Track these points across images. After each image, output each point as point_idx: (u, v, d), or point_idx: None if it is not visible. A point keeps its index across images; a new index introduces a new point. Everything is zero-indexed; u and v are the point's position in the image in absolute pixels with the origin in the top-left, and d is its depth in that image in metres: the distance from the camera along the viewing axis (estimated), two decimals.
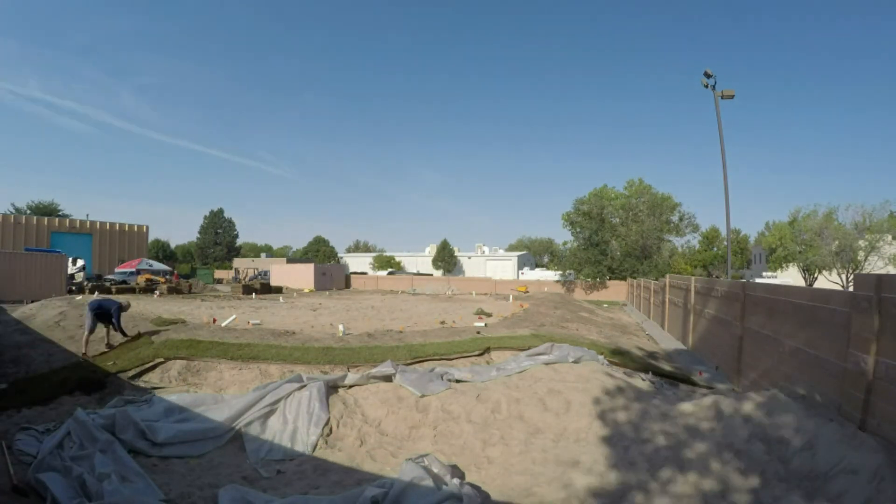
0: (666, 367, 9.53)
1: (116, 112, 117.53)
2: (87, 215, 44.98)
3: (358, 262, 73.59)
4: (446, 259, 68.83)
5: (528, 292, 37.17)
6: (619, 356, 9.95)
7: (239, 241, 77.50)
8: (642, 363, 9.85)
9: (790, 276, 41.30)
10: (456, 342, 10.17)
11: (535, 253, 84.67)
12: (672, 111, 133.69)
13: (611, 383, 6.68)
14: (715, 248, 61.08)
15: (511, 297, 29.20)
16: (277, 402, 6.27)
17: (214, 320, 12.96)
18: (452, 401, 6.58)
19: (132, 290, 26.90)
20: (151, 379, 7.74)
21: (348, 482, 4.86)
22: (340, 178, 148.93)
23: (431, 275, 55.99)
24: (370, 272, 60.58)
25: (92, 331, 9.16)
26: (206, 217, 73.34)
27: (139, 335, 9.90)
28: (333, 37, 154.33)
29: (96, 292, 22.86)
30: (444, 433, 6.03)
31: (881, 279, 4.21)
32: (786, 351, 6.41)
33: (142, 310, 14.75)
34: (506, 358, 9.12)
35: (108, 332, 9.53)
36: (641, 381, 7.78)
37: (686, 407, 5.40)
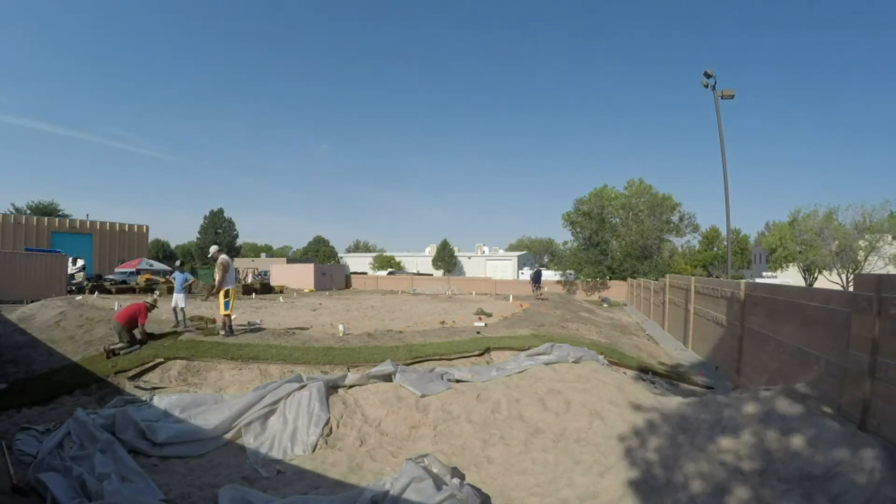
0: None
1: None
2: (87, 215, 45.03)
3: (358, 262, 73.55)
4: (446, 259, 68.83)
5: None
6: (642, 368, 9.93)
7: (239, 241, 77.49)
8: (645, 364, 9.85)
9: (790, 277, 41.29)
10: (456, 342, 10.17)
11: (535, 253, 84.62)
12: (672, 111, 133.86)
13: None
14: (715, 248, 61.09)
15: (511, 296, 29.19)
16: (277, 402, 6.27)
17: (214, 320, 12.95)
18: (452, 401, 6.58)
19: (132, 290, 26.88)
20: (151, 379, 7.73)
21: (348, 482, 4.86)
22: (341, 177, 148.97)
23: (431, 275, 55.96)
24: (370, 272, 60.55)
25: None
26: (206, 217, 73.38)
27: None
28: (333, 35, 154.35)
29: (96, 292, 22.86)
30: (444, 433, 6.03)
31: (881, 279, 4.21)
32: (786, 351, 6.42)
33: None
34: (506, 358, 9.11)
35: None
36: (643, 381, 7.78)
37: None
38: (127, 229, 43.91)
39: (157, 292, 26.56)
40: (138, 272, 33.19)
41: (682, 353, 12.70)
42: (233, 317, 10.73)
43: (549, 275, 51.45)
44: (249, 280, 35.40)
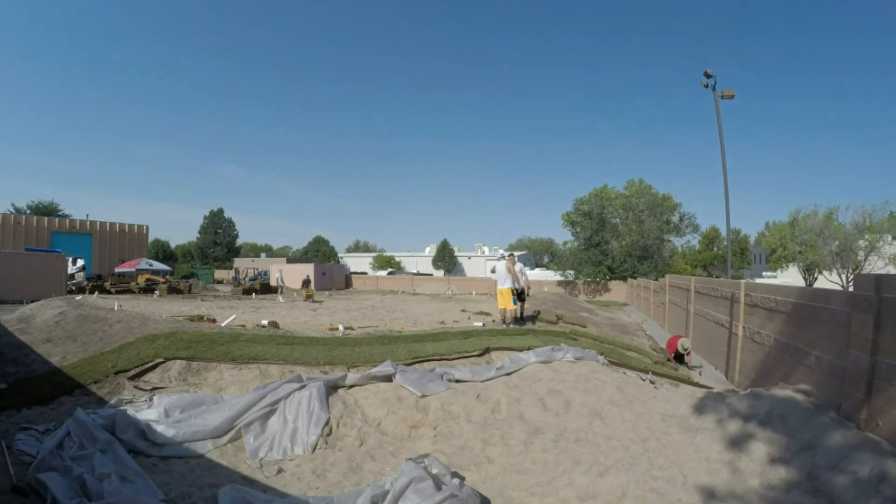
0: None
1: None
2: (87, 215, 44.95)
3: (358, 262, 73.57)
4: (446, 259, 68.91)
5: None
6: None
7: (239, 241, 77.43)
8: (644, 365, 9.85)
9: (790, 277, 41.29)
10: (456, 342, 10.17)
11: (535, 253, 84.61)
12: (672, 111, 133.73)
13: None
14: (715, 248, 61.09)
15: None
16: (277, 402, 6.26)
17: (214, 320, 12.96)
18: (452, 401, 6.58)
19: (131, 290, 26.88)
20: (151, 379, 7.72)
21: (348, 482, 4.86)
22: (340, 177, 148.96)
23: (431, 275, 56.01)
24: (370, 272, 60.55)
25: None
26: (205, 217, 73.33)
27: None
28: (331, 33, 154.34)
29: (96, 292, 22.88)
30: (444, 433, 6.03)
31: (881, 279, 4.21)
32: (785, 351, 6.42)
33: (142, 310, 14.76)
34: (506, 358, 9.10)
35: None
36: (644, 381, 7.78)
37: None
38: (127, 229, 43.90)
39: (158, 292, 26.57)
40: (138, 272, 33.16)
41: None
42: (233, 318, 11.00)
43: (549, 275, 51.38)
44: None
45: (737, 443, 4.43)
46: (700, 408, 5.09)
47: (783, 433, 4.31)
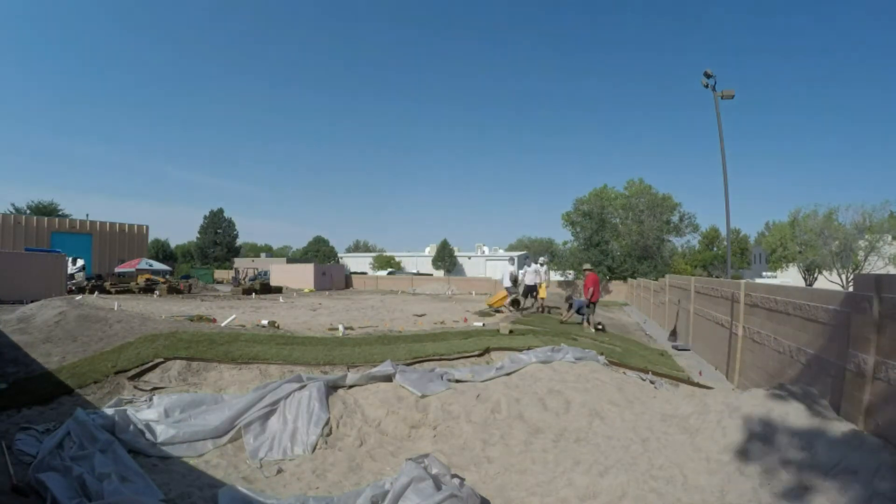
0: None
1: None
2: (87, 215, 44.93)
3: (358, 262, 73.58)
4: (446, 259, 68.92)
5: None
6: None
7: (239, 241, 77.42)
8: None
9: (790, 277, 41.29)
10: (456, 342, 10.17)
11: (534, 253, 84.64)
12: (672, 111, 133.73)
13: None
14: (715, 248, 61.08)
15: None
16: (277, 402, 6.27)
17: (214, 320, 12.97)
18: (452, 401, 6.58)
19: (131, 290, 26.87)
20: (151, 379, 7.73)
21: (348, 482, 4.86)
22: (340, 177, 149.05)
23: (431, 275, 55.97)
24: (370, 272, 60.53)
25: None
26: (205, 217, 73.33)
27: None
28: (330, 33, 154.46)
29: (96, 292, 22.88)
30: (444, 433, 6.03)
31: (881, 279, 4.21)
32: (785, 351, 6.42)
33: (142, 310, 14.76)
34: (506, 358, 9.10)
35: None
36: (644, 381, 7.78)
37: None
38: (127, 229, 43.90)
39: (158, 292, 26.56)
40: (138, 272, 33.16)
41: (681, 353, 12.70)
42: (233, 317, 10.98)
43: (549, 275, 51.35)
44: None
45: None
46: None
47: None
